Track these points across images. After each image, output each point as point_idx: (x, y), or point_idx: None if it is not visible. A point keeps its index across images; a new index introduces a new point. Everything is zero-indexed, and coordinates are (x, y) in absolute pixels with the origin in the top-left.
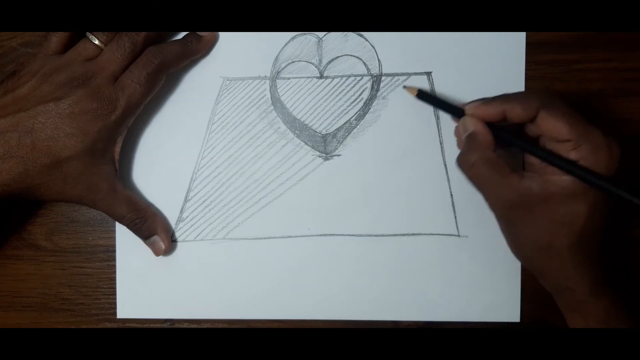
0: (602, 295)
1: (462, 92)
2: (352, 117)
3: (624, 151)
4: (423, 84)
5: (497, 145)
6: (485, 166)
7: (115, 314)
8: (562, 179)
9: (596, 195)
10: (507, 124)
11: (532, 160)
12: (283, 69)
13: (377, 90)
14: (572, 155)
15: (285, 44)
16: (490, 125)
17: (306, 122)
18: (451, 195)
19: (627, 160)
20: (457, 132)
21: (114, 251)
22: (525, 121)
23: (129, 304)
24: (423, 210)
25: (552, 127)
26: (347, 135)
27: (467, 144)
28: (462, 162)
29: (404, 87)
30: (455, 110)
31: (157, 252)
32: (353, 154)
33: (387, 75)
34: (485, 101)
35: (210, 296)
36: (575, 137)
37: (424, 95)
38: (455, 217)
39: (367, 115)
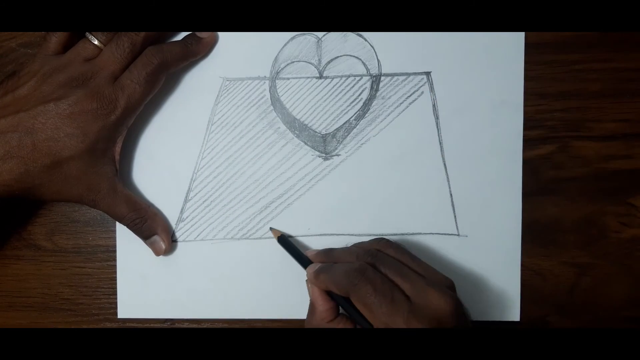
0: None
1: (461, 92)
2: (352, 117)
3: (625, 151)
4: (422, 83)
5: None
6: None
7: (115, 313)
8: None
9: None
10: None
11: None
12: (282, 69)
13: (377, 90)
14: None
15: (285, 44)
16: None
17: (306, 122)
18: (451, 195)
19: (628, 161)
20: None
21: (115, 251)
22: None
23: (129, 303)
24: (423, 209)
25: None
26: (347, 135)
27: (309, 309)
28: (307, 324)
29: (270, 228)
30: (305, 263)
31: (157, 252)
32: (353, 154)
33: (387, 75)
34: (317, 270)
35: (210, 296)
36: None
37: (283, 240)
38: (455, 216)
39: (366, 115)
